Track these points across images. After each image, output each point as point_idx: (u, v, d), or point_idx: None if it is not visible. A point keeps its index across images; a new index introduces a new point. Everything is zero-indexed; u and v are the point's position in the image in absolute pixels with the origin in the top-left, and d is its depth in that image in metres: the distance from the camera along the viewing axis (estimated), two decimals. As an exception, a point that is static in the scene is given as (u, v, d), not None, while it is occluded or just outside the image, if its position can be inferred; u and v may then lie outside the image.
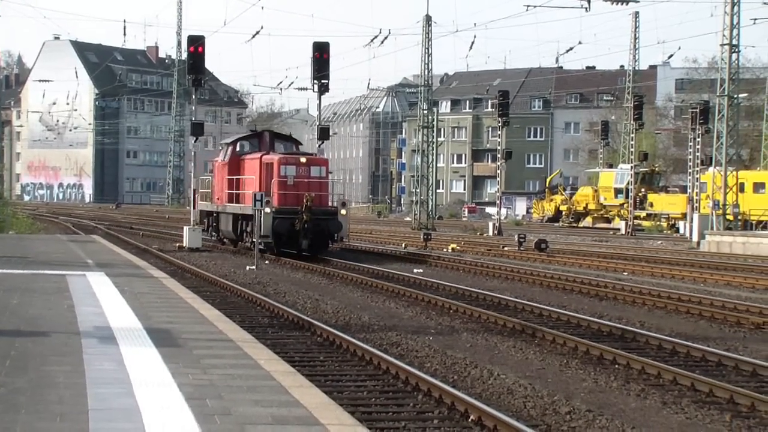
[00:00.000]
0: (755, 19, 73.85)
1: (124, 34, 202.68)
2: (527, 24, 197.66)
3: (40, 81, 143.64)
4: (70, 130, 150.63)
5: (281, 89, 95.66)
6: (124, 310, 18.36)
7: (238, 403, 10.47)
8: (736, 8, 65.01)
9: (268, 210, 38.67)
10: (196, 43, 46.64)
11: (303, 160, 42.04)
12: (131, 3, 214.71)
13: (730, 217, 63.64)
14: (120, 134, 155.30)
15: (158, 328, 15.95)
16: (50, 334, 15.06)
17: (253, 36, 71.18)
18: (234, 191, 44.69)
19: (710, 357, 18.80)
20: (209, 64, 44.61)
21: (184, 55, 65.08)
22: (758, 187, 70.35)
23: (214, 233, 49.17)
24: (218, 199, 47.48)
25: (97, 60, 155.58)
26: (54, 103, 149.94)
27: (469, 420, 13.43)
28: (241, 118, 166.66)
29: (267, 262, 38.90)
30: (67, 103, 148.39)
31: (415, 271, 35.92)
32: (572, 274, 36.06)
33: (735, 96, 66.73)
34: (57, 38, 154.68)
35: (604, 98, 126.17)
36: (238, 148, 46.48)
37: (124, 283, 23.56)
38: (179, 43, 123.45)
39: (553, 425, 13.60)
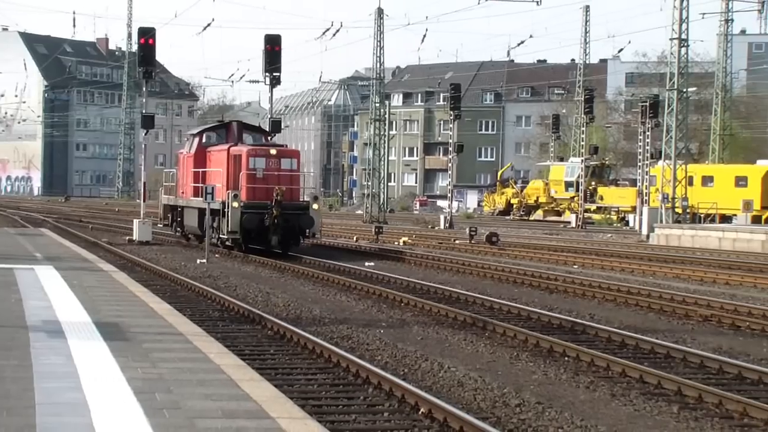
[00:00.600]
0: (704, 14, 74.73)
1: (74, 26, 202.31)
2: (479, 17, 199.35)
3: None
4: (19, 123, 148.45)
5: (233, 82, 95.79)
6: (72, 303, 18.26)
7: (188, 396, 10.43)
8: (685, 3, 65.29)
9: (236, 204, 37.18)
10: (147, 35, 46.43)
11: (273, 151, 39.78)
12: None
13: (679, 211, 64.01)
14: (69, 127, 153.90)
15: (107, 322, 15.87)
16: (-3, 328, 14.95)
17: (204, 28, 71.13)
18: (200, 185, 41.22)
19: (659, 349, 18.92)
20: (160, 56, 44.59)
21: (135, 47, 64.50)
22: (707, 180, 70.79)
23: (178, 228, 46.60)
24: (183, 192, 44.97)
25: (47, 52, 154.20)
26: (2, 95, 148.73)
27: (420, 413, 13.43)
28: (192, 110, 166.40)
29: (217, 255, 38.64)
30: (16, 95, 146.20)
31: (366, 264, 35.92)
32: (523, 267, 36.23)
33: (684, 90, 67.05)
34: (5, 29, 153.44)
35: (555, 92, 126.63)
36: (204, 140, 43.89)
37: (73, 276, 23.45)
38: (129, 35, 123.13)
39: (503, 417, 13.62)
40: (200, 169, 42.42)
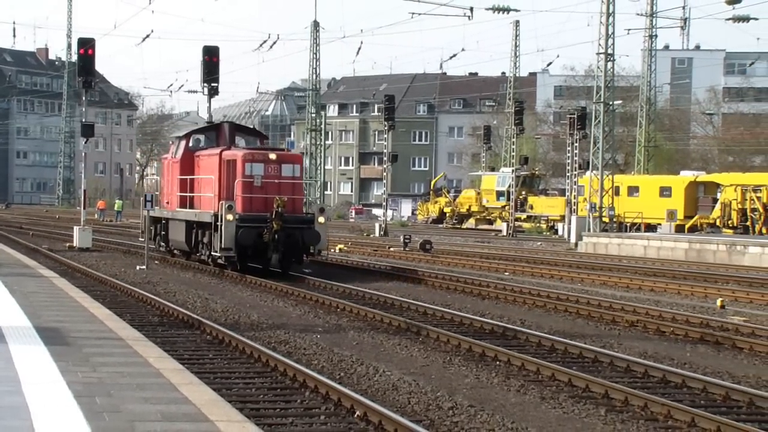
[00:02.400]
0: (629, 30, 75.32)
1: (14, 36, 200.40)
2: (412, 31, 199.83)
3: None
4: None
5: (171, 92, 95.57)
6: (13, 308, 18.12)
7: (128, 400, 10.39)
8: (611, 19, 66.04)
9: (230, 217, 30.84)
10: (86, 45, 46.04)
11: (272, 156, 32.80)
12: (21, 4, 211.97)
13: (606, 220, 64.57)
14: (10, 135, 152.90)
15: (48, 327, 15.77)
16: (-63, 333, 14.79)
17: (144, 39, 70.87)
18: (187, 194, 36.16)
19: (587, 354, 19.07)
20: (99, 67, 44.22)
21: (75, 58, 64.08)
22: (632, 190, 71.42)
23: (162, 243, 40.25)
24: (168, 203, 39.01)
25: None
26: None
27: (355, 416, 13.46)
28: (132, 119, 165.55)
29: (156, 262, 38.44)
30: None
31: (303, 270, 35.88)
32: (456, 273, 36.31)
33: (610, 103, 67.75)
34: None
35: (487, 104, 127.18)
36: (192, 143, 37.32)
37: (13, 282, 23.26)
38: (69, 46, 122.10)
39: (437, 420, 13.69)
40: (188, 177, 36.45)
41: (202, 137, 37.80)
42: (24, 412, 9.59)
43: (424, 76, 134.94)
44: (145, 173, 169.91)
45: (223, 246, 31.02)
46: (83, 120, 52.93)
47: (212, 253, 32.64)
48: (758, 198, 63.20)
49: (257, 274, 32.32)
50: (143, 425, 9.29)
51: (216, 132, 37.19)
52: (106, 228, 65.49)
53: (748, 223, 63.05)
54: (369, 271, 37.38)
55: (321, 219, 32.77)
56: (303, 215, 33.49)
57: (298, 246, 32.01)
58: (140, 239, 42.24)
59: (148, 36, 70.66)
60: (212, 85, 48.48)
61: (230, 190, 32.38)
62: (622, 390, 15.35)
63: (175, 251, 39.32)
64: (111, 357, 13.21)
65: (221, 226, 30.93)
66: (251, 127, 42.88)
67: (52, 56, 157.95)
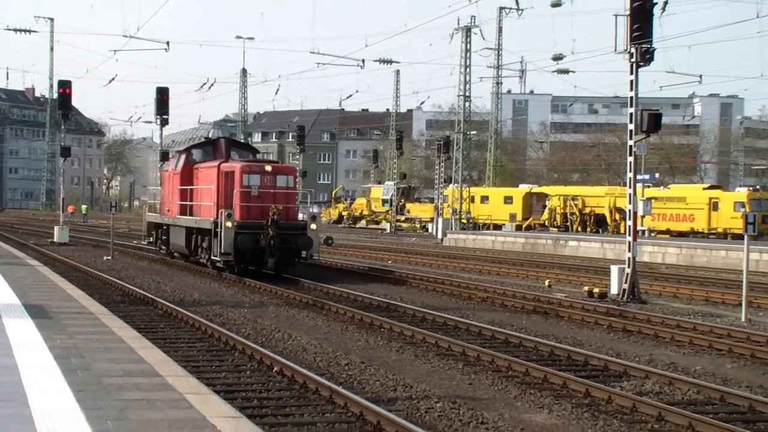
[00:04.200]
0: (481, 78, 76.22)
1: (7, 78, 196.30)
2: (318, 76, 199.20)
3: None
4: None
5: (131, 122, 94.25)
6: (5, 290, 17.82)
7: (96, 360, 10.29)
8: (468, 69, 66.73)
9: (229, 224, 26.82)
10: (65, 86, 45.32)
11: (268, 168, 28.82)
12: (12, 52, 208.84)
13: (464, 221, 65.11)
14: (4, 155, 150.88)
15: (33, 304, 15.55)
16: (-53, 310, 14.49)
17: (110, 81, 69.82)
18: (187, 202, 31.82)
19: (449, 322, 19.25)
20: (75, 102, 43.27)
21: (56, 95, 62.97)
22: (484, 198, 72.06)
23: (163, 246, 35.42)
24: (169, 210, 34.16)
25: None
26: None
27: (274, 371, 13.46)
28: (100, 143, 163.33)
29: (117, 254, 37.77)
30: None
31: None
32: (351, 262, 36.42)
33: (467, 133, 68.44)
34: None
35: (375, 133, 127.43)
36: (191, 157, 32.62)
37: (5, 269, 22.93)
38: (51, 86, 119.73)
39: (336, 373, 13.72)
40: (188, 187, 31.85)
41: (200, 151, 33.05)
42: (15, 370, 9.46)
43: (327, 111, 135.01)
44: (110, 185, 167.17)
45: (222, 251, 26.91)
46: (62, 144, 52.47)
47: (212, 257, 28.52)
48: (575, 205, 64.24)
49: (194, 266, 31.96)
50: (108, 379, 9.20)
51: (213, 147, 32.86)
52: (79, 227, 64.38)
53: (568, 224, 64.09)
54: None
55: (313, 225, 28.64)
56: (297, 222, 29.12)
57: (292, 251, 27.88)
58: (143, 242, 39.26)
59: (113, 79, 69.73)
60: (164, 117, 48.46)
61: (229, 199, 28.23)
62: (475, 349, 15.53)
63: (175, 254, 34.55)
64: (83, 327, 13.05)
65: (221, 232, 26.96)
66: (245, 142, 36.20)
67: (37, 94, 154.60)
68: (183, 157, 32.73)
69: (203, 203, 30.03)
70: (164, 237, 34.50)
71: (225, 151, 31.32)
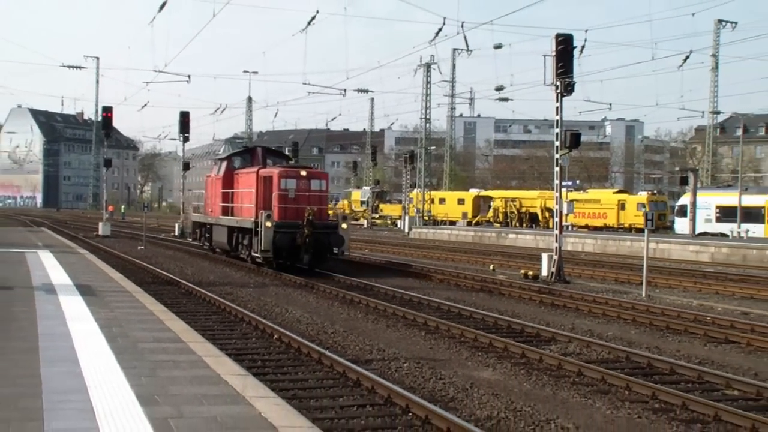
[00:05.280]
0: (439, 104, 76.18)
1: (62, 104, 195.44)
2: (308, 102, 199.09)
3: (8, 133, 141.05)
4: (28, 163, 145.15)
5: (160, 139, 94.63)
6: (60, 273, 17.68)
7: (133, 329, 10.22)
8: (428, 97, 66.76)
9: (269, 224, 24.49)
10: (107, 110, 45.12)
11: (303, 173, 26.19)
12: (66, 84, 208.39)
13: (426, 218, 65.16)
14: (60, 165, 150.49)
15: (82, 284, 15.44)
16: (15, 288, 14.41)
17: (143, 107, 71.26)
18: (229, 204, 29.13)
19: (414, 299, 19.25)
20: (115, 123, 42.57)
21: (100, 118, 62.51)
22: (441, 200, 72.17)
23: (206, 243, 32.49)
24: (212, 211, 31.32)
25: (45, 120, 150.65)
26: (18, 147, 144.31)
27: (274, 338, 13.42)
28: (135, 156, 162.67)
29: (148, 244, 37.50)
30: (26, 147, 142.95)
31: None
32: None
33: (428, 148, 68.44)
34: (20, 106, 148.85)
35: (355, 148, 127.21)
36: (231, 164, 30.01)
37: (60, 256, 22.76)
38: (96, 111, 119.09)
39: (323, 339, 13.71)
40: (229, 190, 29.36)
41: (238, 159, 30.27)
42: (68, 337, 9.40)
43: (316, 130, 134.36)
44: (143, 190, 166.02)
45: (262, 248, 24.49)
46: (104, 156, 52.17)
47: (252, 253, 25.79)
48: (514, 205, 64.48)
49: (200, 251, 31.82)
50: (142, 344, 9.16)
51: (251, 154, 30.19)
52: (119, 223, 63.90)
53: (508, 220, 64.31)
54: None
55: (344, 225, 25.91)
56: (329, 222, 26.51)
57: (325, 248, 25.25)
58: (189, 239, 36.64)
59: (145, 105, 70.84)
60: (185, 135, 48.61)
61: (267, 201, 25.76)
62: (435, 320, 15.55)
63: (217, 250, 31.56)
64: (122, 303, 12.97)
65: (261, 231, 24.53)
66: (279, 150, 32.98)
67: (86, 117, 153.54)
68: (224, 164, 30.25)
69: (244, 205, 27.58)
70: (207, 234, 32.17)
71: (261, 158, 29.32)
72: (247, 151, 31.13)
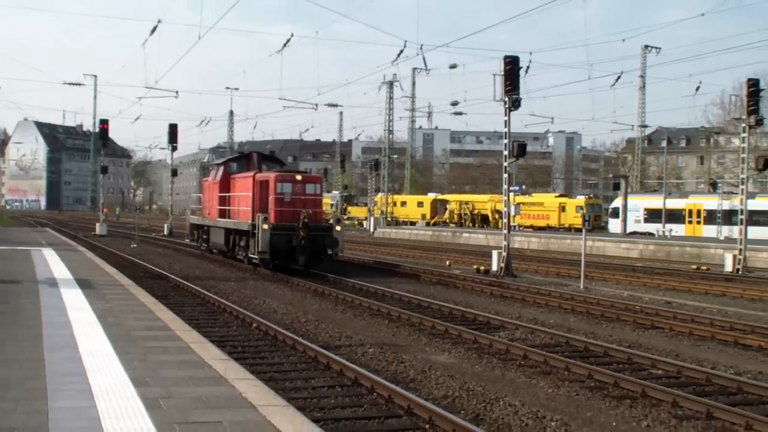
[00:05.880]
0: (401, 117, 76.28)
1: (64, 117, 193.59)
2: (284, 115, 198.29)
3: (16, 143, 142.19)
4: (33, 170, 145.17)
5: (151, 148, 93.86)
6: (62, 268, 17.45)
7: (126, 319, 10.12)
8: (391, 111, 66.84)
9: (266, 226, 22.74)
10: (104, 123, 44.50)
11: (299, 177, 24.40)
12: (67, 99, 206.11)
13: (389, 219, 65.20)
14: (61, 172, 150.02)
15: (81, 278, 15.25)
16: (22, 282, 14.20)
17: (136, 119, 70.48)
18: (226, 207, 27.34)
19: (378, 291, 19.25)
20: (111, 134, 41.75)
21: (97, 129, 61.68)
22: (403, 203, 72.30)
23: (204, 244, 30.48)
24: (209, 214, 29.36)
25: (48, 131, 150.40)
26: (24, 155, 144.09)
27: (253, 327, 13.36)
28: (129, 163, 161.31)
29: (140, 242, 37.12)
30: (31, 156, 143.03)
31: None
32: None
33: (391, 157, 68.44)
34: (26, 119, 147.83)
35: (325, 156, 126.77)
36: (228, 168, 28.12)
37: (62, 253, 22.48)
38: (94, 123, 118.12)
39: (297, 328, 13.67)
40: (226, 194, 27.55)
41: (235, 164, 28.31)
42: (69, 326, 9.30)
43: (291, 141, 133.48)
44: (135, 194, 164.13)
45: (260, 249, 22.76)
46: (101, 164, 51.65)
47: (249, 255, 24.10)
48: (467, 208, 64.81)
49: (196, 250, 31.47)
50: (135, 332, 9.07)
51: (246, 160, 28.15)
52: (114, 224, 63.08)
53: (462, 221, 64.60)
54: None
55: (338, 227, 24.03)
56: (324, 224, 24.40)
57: (320, 249, 23.46)
58: (186, 240, 34.48)
59: (138, 118, 69.97)
60: (173, 145, 48.23)
61: (264, 205, 23.99)
62: (397, 310, 15.56)
63: (214, 250, 29.69)
64: (117, 295, 12.82)
65: (258, 233, 22.82)
66: (273, 156, 30.44)
67: (84, 129, 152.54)
68: (221, 168, 28.27)
69: (240, 208, 25.81)
70: (205, 236, 30.18)
71: (257, 163, 27.38)
72: (243, 156, 29.14)
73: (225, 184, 27.68)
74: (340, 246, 23.74)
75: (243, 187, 26.04)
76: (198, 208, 31.97)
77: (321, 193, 24.94)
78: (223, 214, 27.62)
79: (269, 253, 22.82)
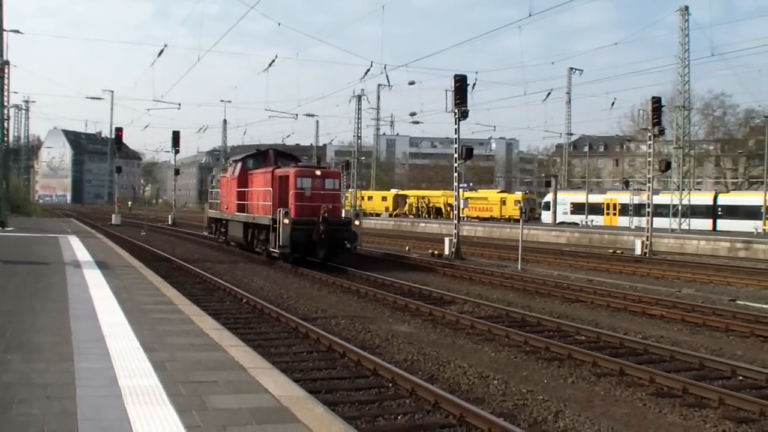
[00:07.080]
0: (368, 125, 75.90)
1: (86, 126, 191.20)
2: (269, 124, 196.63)
3: (47, 147, 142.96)
4: (61, 170, 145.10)
5: (157, 152, 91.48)
6: (84, 252, 17.17)
7: (137, 295, 9.99)
8: (360, 121, 66.52)
9: (286, 221, 19.84)
10: (119, 130, 44.70)
11: (318, 172, 21.45)
12: (89, 110, 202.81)
13: (365, 212, 64.93)
14: (84, 172, 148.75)
15: (100, 261, 15.01)
16: (51, 263, 13.93)
17: (145, 127, 70.27)
18: (244, 202, 24.02)
19: (349, 272, 19.12)
20: (124, 140, 41.14)
21: (113, 136, 60.72)
22: (369, 198, 72.12)
23: (222, 237, 27.23)
24: (227, 208, 26.07)
25: (73, 138, 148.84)
26: (53, 158, 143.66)
27: (243, 302, 13.27)
28: (139, 164, 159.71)
29: (149, 231, 36.55)
30: (59, 158, 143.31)
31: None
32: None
33: (359, 159, 68.16)
34: (55, 128, 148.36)
35: (304, 158, 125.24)
36: (246, 165, 24.75)
37: (84, 240, 22.10)
38: (111, 130, 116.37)
39: (280, 303, 13.60)
40: (245, 189, 24.20)
41: (252, 160, 24.92)
42: (90, 301, 9.16)
43: (275, 145, 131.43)
44: (144, 190, 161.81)
45: (281, 243, 19.90)
46: (116, 165, 51.22)
47: (270, 248, 21.00)
48: (424, 202, 64.95)
49: (195, 236, 31.03)
50: (144, 306, 8.98)
51: (263, 156, 25.07)
52: (127, 215, 61.98)
53: (420, 213, 64.72)
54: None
55: (357, 222, 21.25)
56: (343, 219, 21.44)
57: (339, 243, 20.57)
58: (204, 232, 30.63)
59: (147, 126, 69.62)
60: (176, 148, 47.67)
61: (283, 199, 21.02)
62: (365, 288, 15.54)
63: (232, 243, 26.48)
64: (129, 275, 12.64)
65: (279, 228, 20.00)
66: (289, 153, 26.91)
67: (103, 135, 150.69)
68: (239, 165, 25.02)
69: (260, 203, 22.61)
70: (223, 229, 27.04)
71: (274, 159, 24.49)
72: (260, 153, 25.86)
73: (243, 180, 24.52)
74: (358, 240, 21.10)
75: (262, 183, 22.84)
76: (216, 203, 28.71)
77: (340, 188, 22.36)
78: (241, 208, 24.50)
79: (290, 247, 20.00)
